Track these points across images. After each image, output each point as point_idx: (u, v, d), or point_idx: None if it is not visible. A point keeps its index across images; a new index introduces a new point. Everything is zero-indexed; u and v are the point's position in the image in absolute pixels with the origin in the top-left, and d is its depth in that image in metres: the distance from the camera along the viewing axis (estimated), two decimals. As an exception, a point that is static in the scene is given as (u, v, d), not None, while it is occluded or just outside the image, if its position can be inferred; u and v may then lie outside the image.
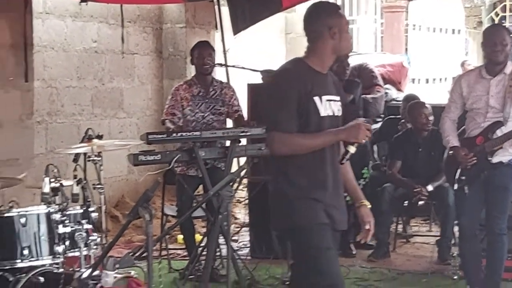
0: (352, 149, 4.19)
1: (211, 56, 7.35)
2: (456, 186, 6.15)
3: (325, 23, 4.25)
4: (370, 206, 4.46)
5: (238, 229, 8.68)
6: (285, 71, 4.31)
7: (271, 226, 4.45)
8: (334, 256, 4.28)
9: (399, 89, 10.47)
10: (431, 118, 7.75)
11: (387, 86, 10.16)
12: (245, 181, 7.99)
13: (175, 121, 7.16)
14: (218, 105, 7.33)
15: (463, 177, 6.09)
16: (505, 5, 21.16)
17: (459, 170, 6.11)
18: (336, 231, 4.32)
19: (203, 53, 7.31)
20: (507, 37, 6.05)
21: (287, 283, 6.82)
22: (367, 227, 4.38)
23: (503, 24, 16.77)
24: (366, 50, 13.99)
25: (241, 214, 9.16)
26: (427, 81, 16.64)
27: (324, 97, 4.24)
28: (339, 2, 14.22)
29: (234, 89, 7.54)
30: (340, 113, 4.33)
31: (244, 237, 8.39)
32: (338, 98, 4.33)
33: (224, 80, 8.28)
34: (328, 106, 4.26)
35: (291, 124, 4.15)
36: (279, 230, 4.43)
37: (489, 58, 6.12)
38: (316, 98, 4.21)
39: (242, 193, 9.21)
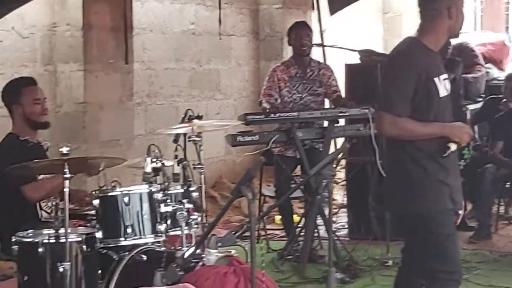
0: (453, 147, 4.18)
1: (309, 36, 7.30)
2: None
3: (445, 2, 4.19)
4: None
5: (336, 210, 8.65)
6: (404, 53, 4.23)
7: (389, 209, 4.40)
8: (457, 242, 4.26)
9: (500, 68, 10.26)
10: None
11: (488, 65, 9.97)
12: (343, 162, 7.95)
13: (272, 101, 7.16)
14: (316, 85, 7.30)
15: None
16: None
17: None
18: (456, 214, 4.28)
19: (300, 33, 7.27)
20: None
21: (386, 264, 6.79)
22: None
23: None
24: (466, 29, 13.74)
25: (339, 195, 9.12)
26: (526, 59, 16.24)
27: (441, 77, 4.22)
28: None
29: (332, 69, 7.49)
30: (450, 91, 4.29)
31: (342, 218, 8.36)
32: (447, 75, 4.30)
33: (321, 60, 8.25)
34: (444, 85, 4.22)
35: (404, 107, 4.11)
36: (402, 214, 4.33)
37: None
38: (436, 79, 4.18)
39: (340, 174, 9.16)
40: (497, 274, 6.54)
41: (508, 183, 7.82)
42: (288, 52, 7.50)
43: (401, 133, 4.13)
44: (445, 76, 4.26)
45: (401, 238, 4.50)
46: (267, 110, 6.96)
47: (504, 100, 8.23)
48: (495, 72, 10.03)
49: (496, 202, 8.06)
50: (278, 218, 8.23)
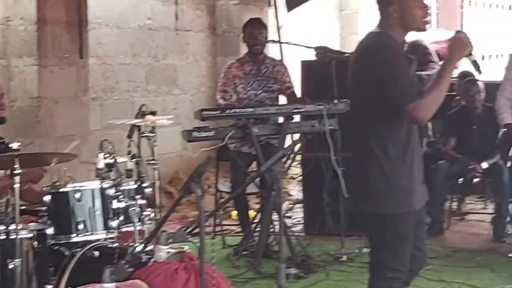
0: (473, 58, 4.15)
1: (263, 34, 7.32)
2: (509, 164, 6.08)
3: (387, 1, 4.17)
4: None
5: (292, 205, 8.69)
6: (383, 44, 4.15)
7: (353, 207, 4.38)
8: (411, 243, 4.28)
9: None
10: (481, 95, 7.68)
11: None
12: (299, 158, 8.00)
13: (227, 97, 7.18)
14: (270, 82, 7.33)
15: (517, 155, 6.03)
16: None
17: (513, 148, 6.05)
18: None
19: (254, 32, 7.29)
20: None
21: (340, 259, 6.84)
22: None
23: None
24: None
25: (295, 191, 9.16)
26: (483, 57, 16.38)
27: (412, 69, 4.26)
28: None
29: (287, 66, 7.53)
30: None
31: (297, 214, 8.40)
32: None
33: (278, 57, 8.27)
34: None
35: (414, 89, 4.09)
36: (363, 212, 4.28)
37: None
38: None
39: (296, 170, 9.20)
40: (449, 269, 6.61)
41: (461, 180, 7.90)
42: (245, 48, 7.51)
43: (434, 106, 4.04)
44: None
45: (358, 230, 4.51)
46: (222, 106, 6.99)
47: (457, 97, 8.31)
48: (449, 69, 10.09)
49: (449, 198, 8.14)
50: (234, 213, 8.25)
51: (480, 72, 4.32)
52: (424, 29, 4.20)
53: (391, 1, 4.16)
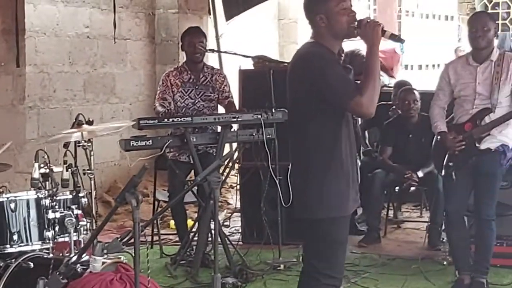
0: (389, 33, 4.18)
1: (203, 43, 7.31)
2: (443, 172, 6.17)
3: (312, 11, 4.26)
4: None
5: (230, 214, 8.70)
6: (317, 53, 4.21)
7: (296, 212, 4.40)
8: (346, 250, 4.38)
9: (391, 76, 10.49)
10: (418, 104, 7.79)
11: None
12: (237, 166, 8.02)
13: (166, 105, 7.17)
14: (209, 91, 7.34)
15: (451, 163, 6.11)
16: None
17: (447, 156, 6.14)
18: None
19: (193, 40, 7.28)
20: (490, 23, 6.07)
21: (278, 268, 6.87)
22: None
23: (495, 11, 16.76)
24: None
25: (233, 199, 9.17)
26: (420, 67, 16.63)
27: None
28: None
29: (226, 75, 7.54)
30: None
31: (235, 223, 8.41)
32: None
33: (217, 66, 8.29)
34: None
35: (353, 85, 4.17)
36: (301, 218, 4.34)
37: (471, 44, 6.17)
38: None
39: (234, 179, 9.22)
40: (385, 277, 6.68)
41: (397, 188, 8.00)
42: (184, 56, 7.51)
43: (375, 100, 4.12)
44: None
45: (296, 239, 4.55)
46: (161, 114, 6.97)
47: (394, 107, 8.42)
48: (385, 79, 10.25)
49: (386, 207, 8.23)
50: (172, 223, 8.23)
51: (402, 41, 4.43)
52: (354, 35, 4.25)
53: (317, 11, 4.23)
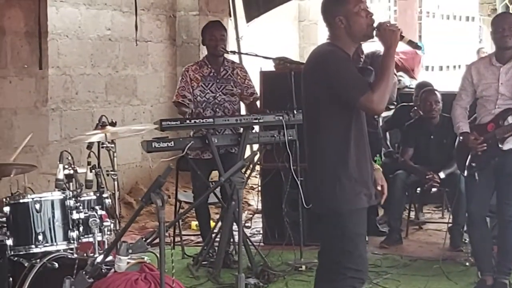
0: (407, 39, 4.26)
1: (224, 36, 7.30)
2: (466, 173, 6.17)
3: (331, 13, 4.31)
4: (381, 170, 4.62)
5: (251, 215, 8.72)
6: (332, 52, 4.28)
7: (312, 208, 4.48)
8: (365, 242, 4.43)
9: (412, 77, 10.47)
10: (439, 105, 7.78)
11: (400, 73, 10.17)
12: (258, 168, 8.04)
13: (186, 102, 7.16)
14: (230, 85, 7.31)
15: (474, 164, 6.11)
16: (520, -8, 21.00)
17: (469, 157, 6.14)
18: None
19: (215, 34, 7.26)
20: (516, 23, 6.06)
21: (300, 269, 6.89)
22: (379, 188, 4.47)
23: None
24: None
25: (254, 201, 9.19)
26: (441, 68, 16.58)
27: None
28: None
29: (246, 69, 7.53)
30: None
31: (257, 224, 8.43)
32: None
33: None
34: None
35: (365, 82, 4.24)
36: (319, 213, 4.41)
37: (497, 44, 6.14)
38: None
39: (255, 180, 9.24)
40: (406, 278, 6.68)
41: (419, 189, 7.99)
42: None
43: (386, 96, 4.18)
44: None
45: (317, 240, 4.59)
46: (187, 115, 6.96)
47: (415, 107, 8.41)
48: (406, 81, 10.24)
49: (407, 208, 8.23)
50: (194, 224, 8.27)
51: (419, 48, 4.56)
52: (372, 36, 4.31)
53: (336, 13, 4.27)
